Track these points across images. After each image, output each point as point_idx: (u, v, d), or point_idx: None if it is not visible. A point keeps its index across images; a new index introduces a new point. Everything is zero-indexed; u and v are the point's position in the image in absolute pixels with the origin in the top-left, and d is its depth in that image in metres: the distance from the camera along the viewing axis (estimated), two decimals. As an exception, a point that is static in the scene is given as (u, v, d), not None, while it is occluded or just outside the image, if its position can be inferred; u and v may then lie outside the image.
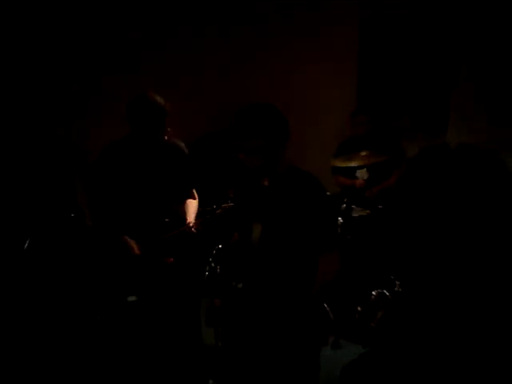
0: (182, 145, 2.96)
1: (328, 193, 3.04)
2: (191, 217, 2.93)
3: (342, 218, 3.56)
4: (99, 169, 2.71)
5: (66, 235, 3.50)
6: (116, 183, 2.68)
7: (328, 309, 3.39)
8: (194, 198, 3.07)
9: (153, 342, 2.96)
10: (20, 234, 3.33)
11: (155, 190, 2.80)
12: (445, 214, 0.79)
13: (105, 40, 4.11)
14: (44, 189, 3.68)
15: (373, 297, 3.62)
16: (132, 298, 2.86)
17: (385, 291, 3.62)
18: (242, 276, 2.25)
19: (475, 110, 4.00)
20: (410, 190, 0.86)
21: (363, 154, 3.69)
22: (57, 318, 3.20)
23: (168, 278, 2.88)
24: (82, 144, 3.83)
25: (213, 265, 2.99)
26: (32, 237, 3.37)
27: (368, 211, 3.70)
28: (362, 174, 4.01)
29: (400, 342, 0.87)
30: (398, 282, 3.73)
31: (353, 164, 3.78)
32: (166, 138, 2.72)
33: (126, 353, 2.94)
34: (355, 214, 3.66)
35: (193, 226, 2.81)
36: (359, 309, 3.56)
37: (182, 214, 2.98)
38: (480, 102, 3.97)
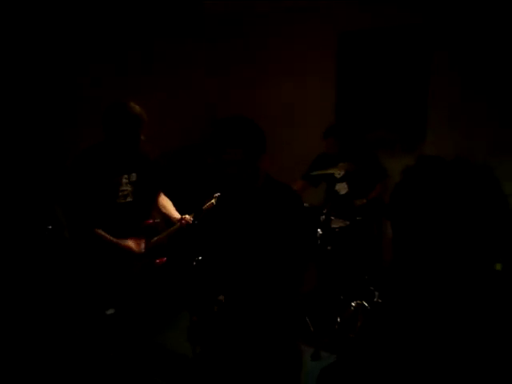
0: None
1: (306, 204, 3.07)
2: (173, 212, 2.94)
3: (322, 230, 3.58)
4: (73, 176, 2.67)
5: (43, 247, 3.45)
6: (90, 191, 2.63)
7: (308, 320, 3.41)
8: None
9: (131, 354, 2.93)
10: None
11: (131, 197, 2.79)
12: (432, 223, 0.81)
13: (83, 51, 4.09)
14: (22, 200, 3.63)
15: (352, 308, 3.65)
16: (110, 311, 2.83)
17: (364, 302, 3.65)
18: (223, 288, 2.24)
19: (452, 121, 4.08)
20: (398, 201, 0.87)
21: (340, 165, 3.79)
22: (35, 332, 3.14)
23: (148, 290, 2.87)
24: (61, 155, 3.79)
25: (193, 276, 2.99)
26: (9, 248, 3.32)
27: (347, 222, 3.73)
28: (340, 188, 4.08)
29: (379, 346, 0.88)
30: (377, 293, 3.76)
31: (330, 171, 3.89)
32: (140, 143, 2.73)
33: (104, 365, 2.90)
34: (334, 226, 3.68)
35: (186, 220, 2.81)
36: (339, 320, 3.58)
37: (160, 213, 2.99)
38: (457, 113, 4.06)
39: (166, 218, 2.95)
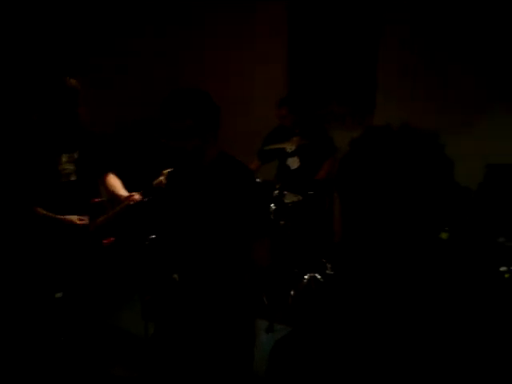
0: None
1: (259, 180, 3.06)
2: (121, 190, 2.84)
3: (275, 204, 3.60)
4: (6, 156, 2.58)
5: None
6: (25, 171, 2.55)
7: (262, 294, 3.44)
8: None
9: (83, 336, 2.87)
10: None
11: (74, 176, 2.70)
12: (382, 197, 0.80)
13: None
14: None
15: (305, 280, 3.71)
16: (59, 295, 2.76)
17: (316, 275, 3.72)
18: (177, 266, 2.22)
19: (400, 93, 4.16)
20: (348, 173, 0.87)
21: (294, 139, 3.82)
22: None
23: (96, 270, 2.80)
24: None
25: (146, 255, 2.95)
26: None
27: (300, 197, 3.76)
28: (292, 162, 4.10)
29: (332, 319, 0.89)
30: (329, 265, 3.85)
31: (282, 146, 3.92)
32: (79, 118, 2.65)
33: (55, 349, 2.83)
34: (287, 200, 3.70)
35: (134, 198, 2.73)
36: (292, 293, 3.63)
37: (108, 192, 2.90)
38: (405, 85, 4.14)
39: (114, 196, 2.86)
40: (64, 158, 2.65)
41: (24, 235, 2.72)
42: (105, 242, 2.74)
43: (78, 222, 2.62)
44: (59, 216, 2.59)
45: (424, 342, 0.89)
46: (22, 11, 3.79)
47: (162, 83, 4.62)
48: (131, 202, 2.75)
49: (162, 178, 2.73)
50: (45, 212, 2.58)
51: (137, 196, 2.76)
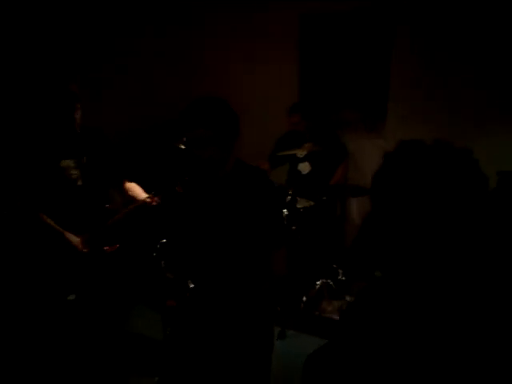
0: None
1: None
2: (140, 193, 2.86)
3: (287, 210, 3.60)
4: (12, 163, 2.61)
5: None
6: (30, 176, 2.59)
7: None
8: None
9: (92, 341, 2.87)
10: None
11: (81, 182, 2.72)
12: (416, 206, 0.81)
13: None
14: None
15: (317, 286, 3.71)
16: (72, 297, 2.76)
17: (329, 280, 3.72)
18: (193, 274, 2.21)
19: (412, 99, 4.16)
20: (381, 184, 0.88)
21: (305, 145, 3.82)
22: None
23: (108, 274, 2.80)
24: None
25: (157, 260, 2.94)
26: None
27: (311, 202, 3.76)
28: (303, 167, 4.11)
29: (366, 331, 0.89)
30: (340, 271, 3.84)
31: (292, 152, 3.91)
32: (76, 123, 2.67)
33: (65, 352, 2.84)
34: (300, 206, 3.70)
35: (152, 200, 2.75)
36: (304, 299, 3.63)
37: (127, 196, 2.91)
38: (417, 91, 4.14)
39: (134, 200, 2.86)
40: (71, 163, 2.67)
41: (30, 238, 2.74)
42: (107, 248, 2.74)
43: (78, 247, 2.63)
44: (62, 230, 2.61)
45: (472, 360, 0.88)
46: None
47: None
48: (149, 200, 2.75)
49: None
50: (49, 221, 2.59)
51: (156, 198, 2.77)
